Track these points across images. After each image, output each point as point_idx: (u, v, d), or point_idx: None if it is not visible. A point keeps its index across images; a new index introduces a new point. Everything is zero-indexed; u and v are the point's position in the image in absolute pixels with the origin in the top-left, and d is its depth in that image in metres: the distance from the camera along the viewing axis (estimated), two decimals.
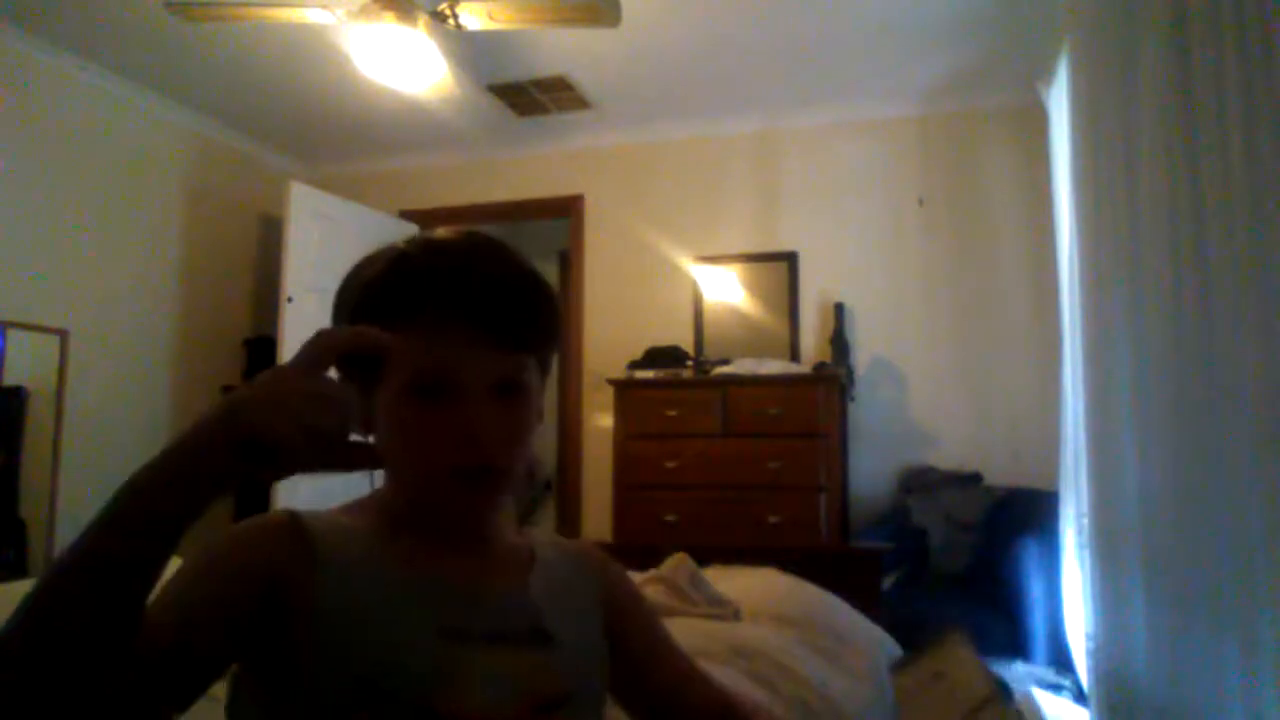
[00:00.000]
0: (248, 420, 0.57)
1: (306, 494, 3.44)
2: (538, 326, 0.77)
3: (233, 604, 0.65)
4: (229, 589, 0.66)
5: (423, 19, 2.55)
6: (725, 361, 3.70)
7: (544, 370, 0.81)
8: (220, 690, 0.70)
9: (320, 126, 4.20)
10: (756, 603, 1.95)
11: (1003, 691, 2.50)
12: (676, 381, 3.61)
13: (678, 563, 1.98)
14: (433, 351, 0.71)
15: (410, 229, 4.05)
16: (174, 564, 0.62)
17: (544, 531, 0.93)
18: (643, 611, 0.92)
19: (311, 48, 3.27)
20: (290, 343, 3.65)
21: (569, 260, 4.47)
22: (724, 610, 1.86)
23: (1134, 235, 2.02)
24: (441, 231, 0.80)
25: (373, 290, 0.74)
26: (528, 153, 4.35)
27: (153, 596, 0.61)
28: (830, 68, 3.59)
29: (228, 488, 0.60)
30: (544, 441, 4.39)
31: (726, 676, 1.31)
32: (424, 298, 0.72)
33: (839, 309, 3.74)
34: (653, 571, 1.96)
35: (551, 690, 0.74)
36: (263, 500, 3.43)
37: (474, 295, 0.73)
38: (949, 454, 3.67)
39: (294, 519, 0.72)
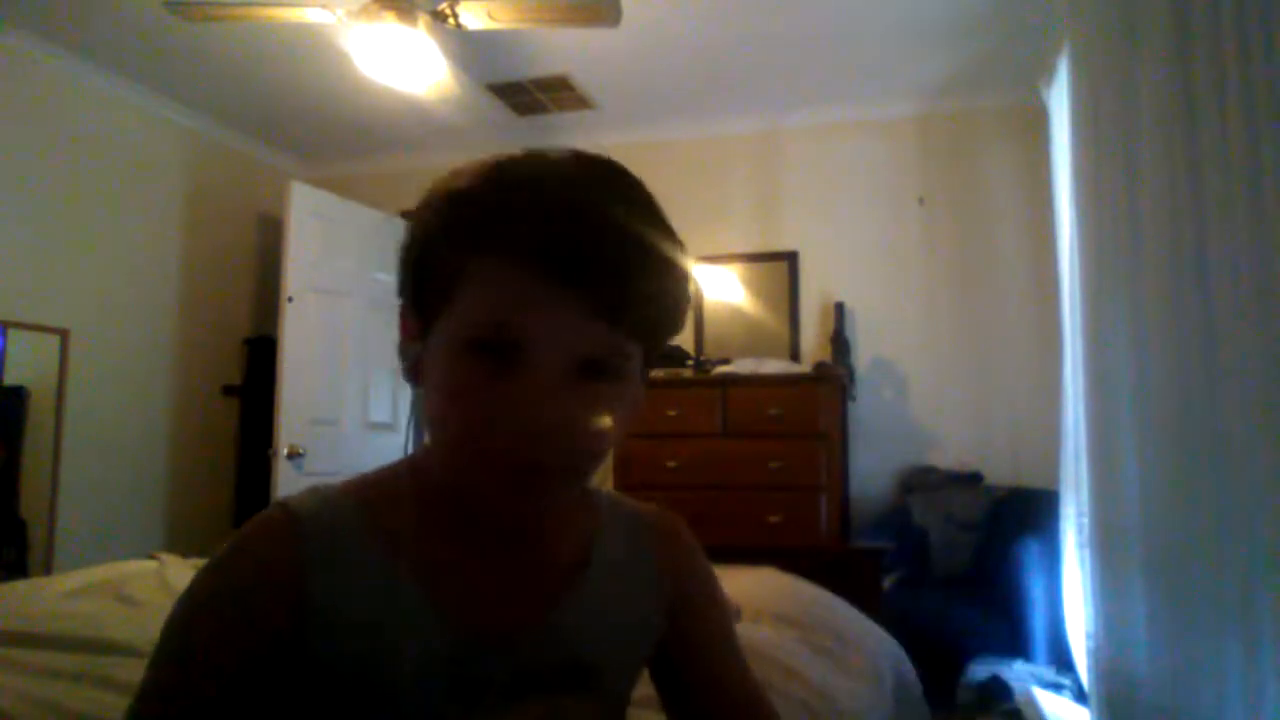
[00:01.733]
0: None
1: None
2: (659, 303, 0.59)
3: (243, 673, 0.57)
4: (233, 658, 0.57)
5: (423, 19, 2.55)
6: (725, 361, 3.70)
7: (650, 362, 0.64)
8: None
9: (320, 126, 4.20)
10: (757, 603, 1.95)
11: (1001, 690, 2.50)
12: (676, 381, 3.60)
13: None
14: (505, 298, 0.55)
15: None
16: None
17: (612, 498, 0.77)
18: (712, 614, 0.78)
19: (311, 48, 3.27)
20: (290, 342, 3.65)
21: None
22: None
23: (1134, 235, 2.02)
24: (562, 153, 0.62)
25: (456, 205, 0.58)
26: None
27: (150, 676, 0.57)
28: (830, 68, 3.59)
29: None
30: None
31: None
32: (510, 227, 0.55)
33: (839, 309, 3.74)
34: None
35: None
36: (264, 495, 3.44)
37: (579, 238, 0.54)
38: (949, 454, 3.67)
39: (290, 532, 0.61)
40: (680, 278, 0.61)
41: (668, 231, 0.61)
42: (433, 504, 0.65)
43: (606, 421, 0.58)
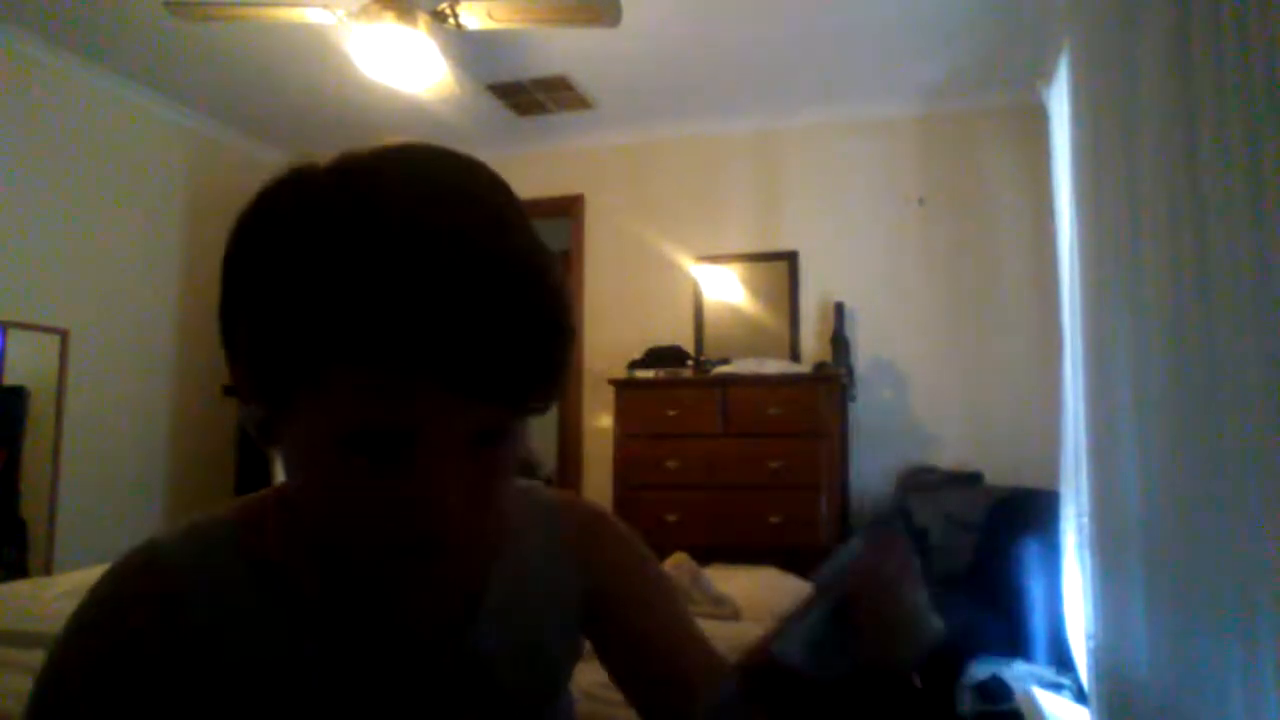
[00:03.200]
0: None
1: None
2: (544, 381, 0.50)
3: None
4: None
5: (423, 19, 2.55)
6: (725, 361, 3.70)
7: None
8: None
9: (320, 126, 4.20)
10: (757, 602, 1.95)
11: (1001, 690, 2.50)
12: (677, 381, 3.60)
13: (679, 563, 1.98)
14: (374, 401, 0.47)
15: None
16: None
17: (520, 494, 0.71)
18: (643, 595, 0.74)
19: (311, 48, 3.27)
20: None
21: (569, 260, 4.47)
22: (724, 610, 1.86)
23: (1134, 235, 2.02)
24: (386, 169, 0.51)
25: (282, 283, 0.48)
26: (528, 152, 4.34)
27: None
28: (830, 68, 3.59)
29: None
30: (544, 441, 4.39)
31: None
32: (369, 324, 0.45)
33: (839, 309, 3.74)
34: None
35: None
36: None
37: (449, 326, 0.45)
38: (949, 454, 3.67)
39: (154, 571, 0.58)
40: (562, 336, 0.51)
41: (534, 251, 0.52)
42: (313, 547, 0.59)
43: (503, 479, 0.54)
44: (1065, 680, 2.65)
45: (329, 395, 0.48)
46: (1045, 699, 2.51)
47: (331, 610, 0.59)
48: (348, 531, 0.51)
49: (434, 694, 0.62)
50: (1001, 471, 3.50)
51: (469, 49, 3.25)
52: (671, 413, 3.49)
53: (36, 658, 1.48)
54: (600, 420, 4.08)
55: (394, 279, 0.45)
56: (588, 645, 0.74)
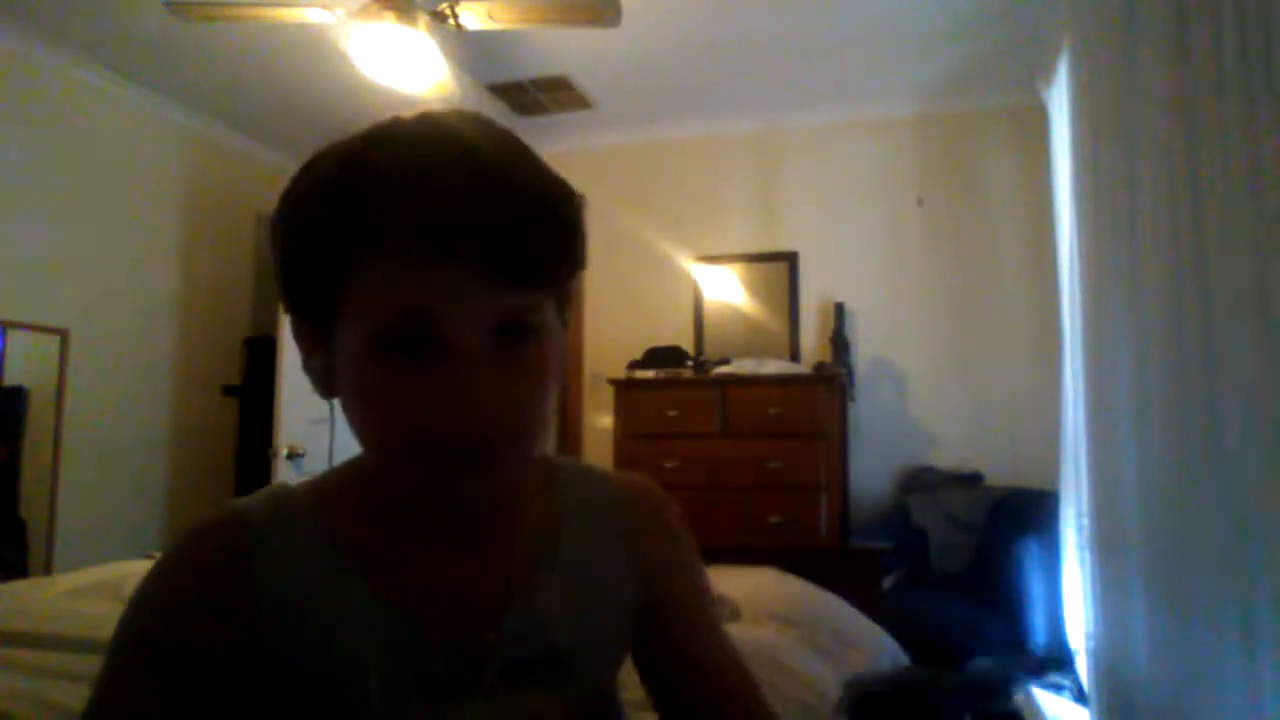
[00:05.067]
0: None
1: None
2: (554, 245, 0.55)
3: (191, 689, 0.55)
4: (180, 673, 0.55)
5: (423, 19, 2.55)
6: (725, 361, 3.70)
7: (564, 305, 0.60)
8: None
9: (320, 126, 4.18)
10: (757, 603, 1.95)
11: (1004, 687, 2.50)
12: (676, 381, 3.60)
13: None
14: (400, 286, 0.52)
15: None
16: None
17: (579, 471, 0.74)
18: (685, 583, 0.74)
19: (311, 48, 3.27)
20: (290, 342, 3.64)
21: None
22: (724, 610, 1.86)
23: (1134, 235, 2.02)
24: (411, 118, 0.57)
25: (315, 207, 0.54)
26: None
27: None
28: (830, 68, 3.59)
29: None
30: (544, 441, 4.39)
31: None
32: (385, 214, 0.52)
33: (839, 309, 3.74)
34: None
35: None
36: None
37: (458, 205, 0.51)
38: (949, 454, 3.67)
39: (234, 528, 0.60)
40: (573, 205, 0.57)
41: (544, 169, 0.58)
42: (382, 502, 0.63)
43: (536, 382, 0.56)
44: (1065, 680, 2.65)
45: (363, 291, 0.53)
46: (1045, 699, 2.51)
47: (392, 562, 0.61)
48: (392, 430, 0.55)
49: (491, 655, 0.62)
50: (1001, 471, 3.50)
51: (469, 49, 3.25)
52: (671, 413, 3.49)
53: (37, 658, 1.48)
54: (600, 420, 4.08)
55: (409, 172, 0.52)
56: None
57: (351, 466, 0.67)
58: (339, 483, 0.66)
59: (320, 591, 0.59)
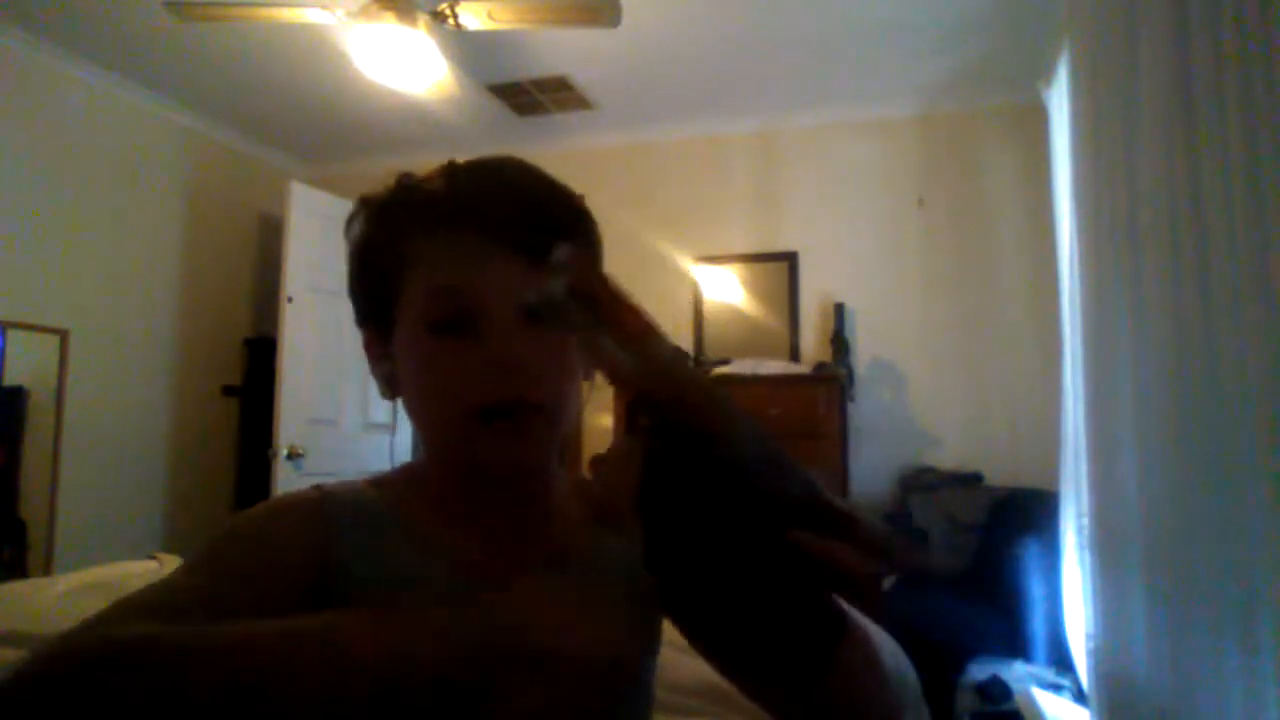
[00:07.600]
0: None
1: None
2: (575, 228, 0.67)
3: (282, 579, 0.59)
4: (276, 560, 0.60)
5: (423, 19, 2.55)
6: (725, 361, 3.70)
7: None
8: None
9: (320, 126, 4.20)
10: None
11: (1001, 691, 2.50)
12: None
13: None
14: (447, 267, 0.62)
15: None
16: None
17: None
18: None
19: (311, 48, 3.27)
20: (290, 343, 3.65)
21: None
22: None
23: (1134, 235, 2.02)
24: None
25: (376, 212, 0.67)
26: (528, 153, 4.25)
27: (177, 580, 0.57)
28: (830, 68, 3.59)
29: None
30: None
31: None
32: (432, 213, 0.64)
33: (839, 309, 3.74)
34: None
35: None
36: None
37: (489, 199, 0.64)
38: (949, 454, 3.67)
39: (319, 499, 0.65)
40: (577, 199, 0.69)
41: (552, 176, 0.70)
42: (438, 492, 0.69)
43: (560, 357, 0.63)
44: (1065, 681, 2.65)
45: (415, 281, 0.63)
46: (1045, 699, 2.51)
47: (444, 542, 0.67)
48: (431, 401, 0.64)
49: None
50: (1001, 472, 3.50)
51: (469, 49, 3.25)
52: None
53: None
54: (600, 420, 4.08)
55: (447, 178, 0.66)
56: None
57: (408, 465, 0.75)
58: (398, 474, 0.73)
59: (387, 561, 0.64)
